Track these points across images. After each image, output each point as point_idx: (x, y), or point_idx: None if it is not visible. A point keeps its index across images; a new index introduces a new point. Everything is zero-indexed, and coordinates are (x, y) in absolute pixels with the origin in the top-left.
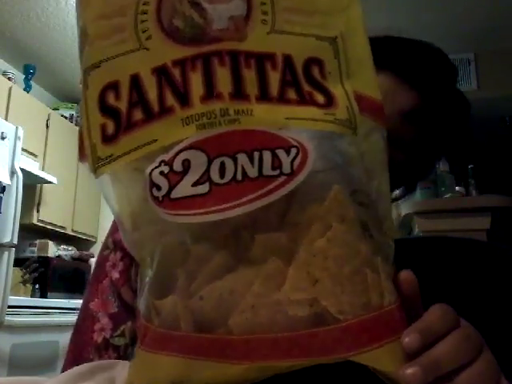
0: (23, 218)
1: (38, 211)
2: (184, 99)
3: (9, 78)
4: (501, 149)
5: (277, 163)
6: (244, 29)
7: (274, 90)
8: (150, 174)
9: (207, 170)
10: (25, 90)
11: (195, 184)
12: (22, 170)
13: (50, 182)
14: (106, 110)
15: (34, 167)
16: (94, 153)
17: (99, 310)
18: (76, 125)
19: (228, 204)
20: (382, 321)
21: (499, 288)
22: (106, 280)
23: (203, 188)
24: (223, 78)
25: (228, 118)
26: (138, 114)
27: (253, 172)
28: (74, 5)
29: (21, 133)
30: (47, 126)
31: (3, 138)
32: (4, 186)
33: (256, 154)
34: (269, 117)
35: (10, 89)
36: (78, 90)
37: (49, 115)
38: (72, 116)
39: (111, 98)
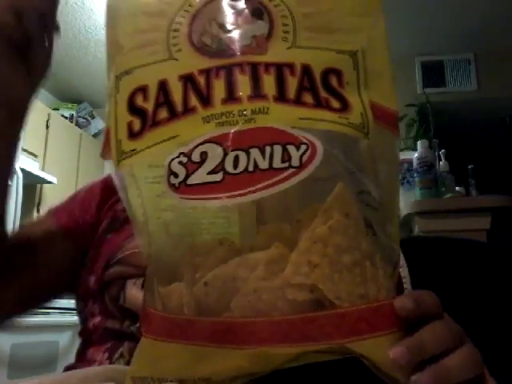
0: (23, 218)
1: (37, 211)
2: (206, 101)
3: None
4: (501, 149)
5: (286, 157)
6: (265, 45)
7: (291, 92)
8: (170, 163)
9: (222, 162)
10: None
11: (210, 173)
12: (22, 169)
13: (50, 182)
14: (134, 109)
15: (34, 167)
16: (119, 148)
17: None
18: (76, 125)
19: (239, 191)
20: (379, 313)
21: (499, 288)
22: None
23: (217, 176)
24: (243, 84)
25: (245, 118)
26: (163, 113)
27: (264, 164)
28: (76, 6)
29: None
30: (47, 126)
31: None
32: None
33: (268, 149)
34: (283, 115)
35: None
36: (78, 90)
37: (49, 115)
38: (72, 116)
39: (139, 100)
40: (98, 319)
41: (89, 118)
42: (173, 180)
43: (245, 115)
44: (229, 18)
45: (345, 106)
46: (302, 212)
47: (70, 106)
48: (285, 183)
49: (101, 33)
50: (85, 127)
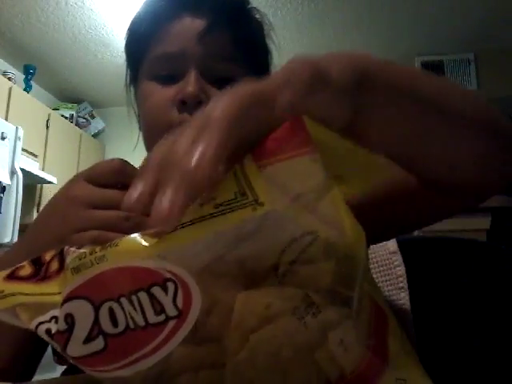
0: (23, 218)
1: (37, 211)
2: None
3: (9, 78)
4: None
5: (158, 306)
6: None
7: None
8: (36, 328)
9: (96, 321)
10: (25, 90)
11: (87, 340)
12: (22, 170)
13: (50, 182)
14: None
15: (34, 167)
16: None
17: None
18: (76, 125)
19: (129, 358)
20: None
21: (499, 288)
22: None
23: (98, 344)
24: None
25: (97, 256)
26: (54, 265)
27: (140, 319)
28: (76, 6)
29: (21, 133)
30: (47, 126)
31: (3, 138)
32: (4, 186)
33: (134, 298)
34: (135, 245)
35: (10, 89)
36: (78, 90)
37: (49, 115)
38: (72, 116)
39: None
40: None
41: (89, 118)
42: (53, 346)
43: (95, 252)
44: None
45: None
46: (214, 334)
47: (69, 106)
48: (172, 341)
49: (101, 33)
50: (85, 127)
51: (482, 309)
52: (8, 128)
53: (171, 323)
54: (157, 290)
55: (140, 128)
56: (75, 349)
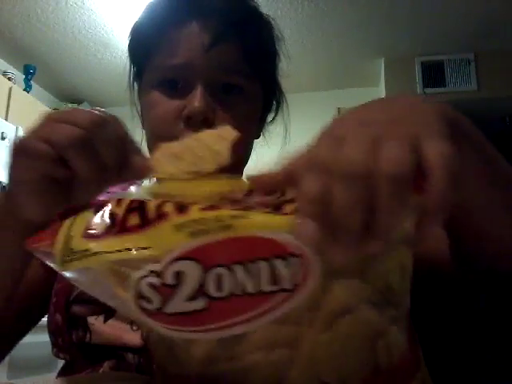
0: None
1: None
2: (183, 208)
3: (9, 78)
4: (501, 149)
5: (275, 277)
6: None
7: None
8: (138, 283)
9: (202, 283)
10: (25, 90)
11: (190, 299)
12: None
13: None
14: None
15: None
16: (67, 244)
17: None
18: None
19: (227, 321)
20: (394, 374)
21: (498, 288)
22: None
23: (199, 303)
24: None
25: (221, 224)
26: (134, 219)
27: (251, 286)
28: (76, 6)
29: (21, 133)
30: None
31: (3, 138)
32: (4, 186)
33: (253, 267)
34: (267, 218)
35: (10, 89)
36: (78, 90)
37: None
38: None
39: (113, 206)
40: (70, 354)
41: None
42: (145, 305)
43: (222, 220)
44: None
45: None
46: (300, 317)
47: (69, 106)
48: (275, 311)
49: (100, 33)
50: None
51: (481, 309)
52: (8, 128)
53: (281, 296)
54: (279, 263)
55: (143, 127)
56: (176, 304)
